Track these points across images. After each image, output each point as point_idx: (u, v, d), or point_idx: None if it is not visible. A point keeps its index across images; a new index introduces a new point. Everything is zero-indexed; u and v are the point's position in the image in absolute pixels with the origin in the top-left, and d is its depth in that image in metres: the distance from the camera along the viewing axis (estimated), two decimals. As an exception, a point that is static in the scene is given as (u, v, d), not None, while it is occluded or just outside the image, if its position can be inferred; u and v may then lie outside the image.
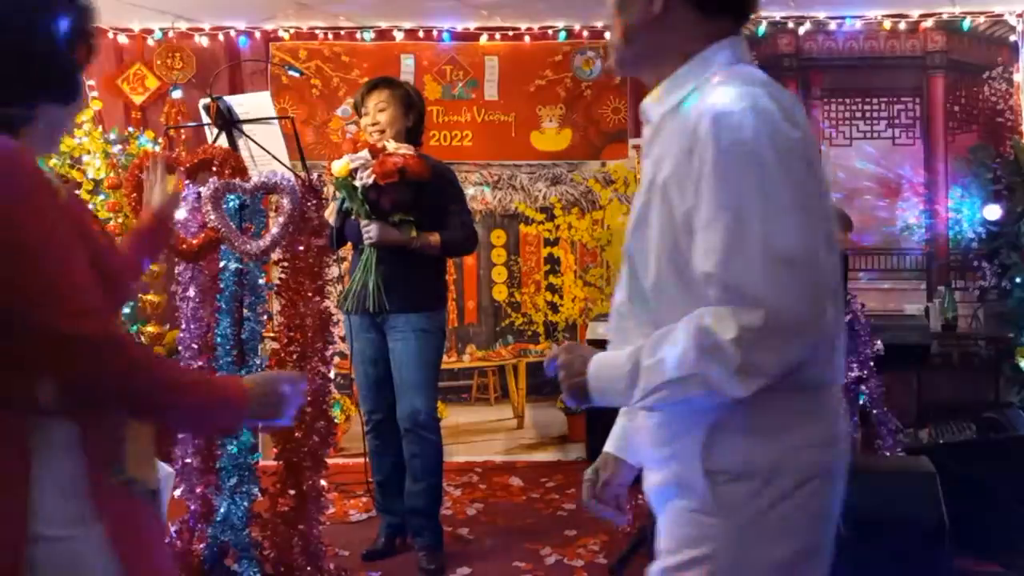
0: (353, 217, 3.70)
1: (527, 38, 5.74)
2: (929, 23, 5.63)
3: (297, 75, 5.22)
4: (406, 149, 3.65)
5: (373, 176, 3.52)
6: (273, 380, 1.52)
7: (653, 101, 1.53)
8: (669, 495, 1.48)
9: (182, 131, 5.45)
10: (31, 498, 1.32)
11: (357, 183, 3.55)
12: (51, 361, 1.30)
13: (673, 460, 1.45)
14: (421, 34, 5.74)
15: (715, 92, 1.39)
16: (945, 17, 5.61)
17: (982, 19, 5.60)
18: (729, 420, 1.38)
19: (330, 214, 3.73)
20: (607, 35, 1.60)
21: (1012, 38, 5.60)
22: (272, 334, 3.84)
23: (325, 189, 3.31)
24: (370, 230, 3.62)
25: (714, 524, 1.40)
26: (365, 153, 3.56)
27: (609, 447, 1.73)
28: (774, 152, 1.32)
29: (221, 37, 5.77)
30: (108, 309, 1.42)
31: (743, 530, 1.39)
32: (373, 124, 3.73)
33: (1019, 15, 5.55)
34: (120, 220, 5.15)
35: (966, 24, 5.59)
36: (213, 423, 1.53)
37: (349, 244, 3.91)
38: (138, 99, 5.73)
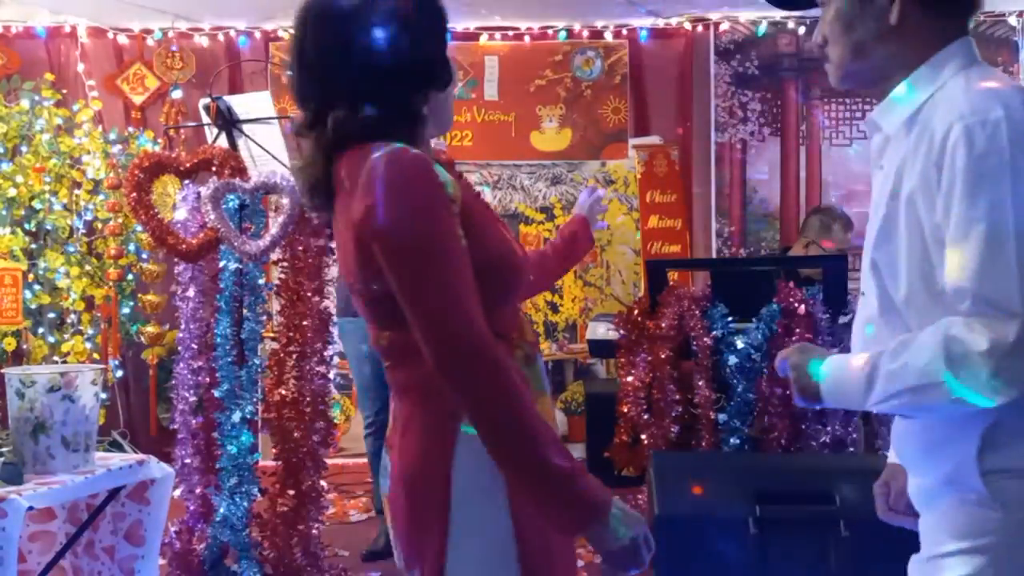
0: None
1: (527, 38, 5.74)
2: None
3: (297, 75, 5.21)
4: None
5: None
6: (639, 522, 1.40)
7: (882, 112, 1.50)
8: (942, 493, 1.46)
9: (182, 131, 5.45)
10: (454, 459, 1.45)
11: None
12: (433, 356, 1.38)
13: (945, 463, 1.43)
14: (421, 34, 5.73)
15: (962, 99, 1.36)
16: (945, 17, 5.61)
17: (982, 19, 5.59)
18: (1004, 424, 1.37)
19: None
20: (828, 51, 1.54)
21: (1012, 38, 5.60)
22: (272, 334, 3.83)
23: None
24: None
25: (990, 517, 1.39)
26: None
27: (893, 457, 1.70)
28: (1020, 164, 1.30)
29: (221, 37, 5.77)
30: (502, 303, 1.50)
31: (1020, 525, 1.38)
32: None
33: (1019, 15, 5.55)
34: (120, 220, 5.15)
35: (966, 24, 5.58)
36: (543, 501, 1.40)
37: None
38: (138, 99, 5.73)
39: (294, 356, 3.15)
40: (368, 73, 1.44)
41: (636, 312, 3.67)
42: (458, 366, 1.37)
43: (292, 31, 1.51)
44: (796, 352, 1.51)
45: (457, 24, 5.69)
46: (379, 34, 1.44)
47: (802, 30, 5.70)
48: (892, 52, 1.47)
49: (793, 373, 1.49)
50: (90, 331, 5.25)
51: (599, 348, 4.70)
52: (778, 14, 5.65)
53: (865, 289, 1.53)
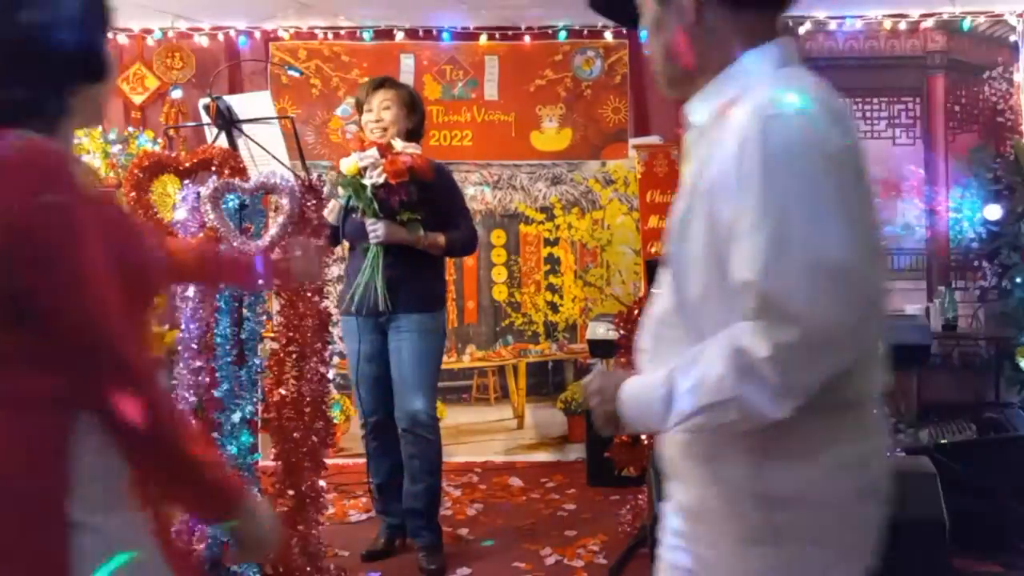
0: (358, 216, 3.69)
1: (527, 38, 5.74)
2: (929, 23, 5.63)
3: (297, 75, 5.22)
4: (413, 148, 3.66)
5: (384, 175, 3.53)
6: (266, 519, 1.50)
7: (693, 107, 1.49)
8: (714, 519, 1.43)
9: (182, 131, 5.45)
10: (71, 486, 1.35)
11: (366, 181, 3.55)
12: (70, 363, 1.32)
13: (717, 481, 1.41)
14: (421, 34, 5.74)
15: (763, 96, 1.34)
16: (945, 17, 5.61)
17: (982, 19, 5.60)
18: (776, 442, 1.34)
19: (330, 212, 3.72)
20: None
21: (1012, 38, 5.60)
22: (272, 334, 3.83)
23: (325, 189, 3.31)
24: (377, 229, 3.61)
25: (768, 553, 1.37)
26: (374, 151, 3.56)
27: None
28: (822, 158, 1.28)
29: (221, 37, 5.77)
30: (132, 311, 1.41)
31: (795, 557, 1.36)
32: (377, 121, 3.73)
33: (1019, 15, 5.54)
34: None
35: (966, 24, 5.58)
36: (197, 501, 1.47)
37: (345, 244, 3.91)
38: (138, 99, 5.73)
39: (294, 356, 3.15)
40: (16, 50, 1.37)
41: (636, 312, 3.67)
42: (108, 376, 1.33)
43: None
44: (597, 377, 1.48)
45: (457, 24, 5.69)
46: (34, 11, 1.37)
47: (802, 30, 5.70)
48: (700, 52, 1.46)
49: (594, 399, 1.46)
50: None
51: (599, 348, 4.70)
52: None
53: (659, 284, 1.49)
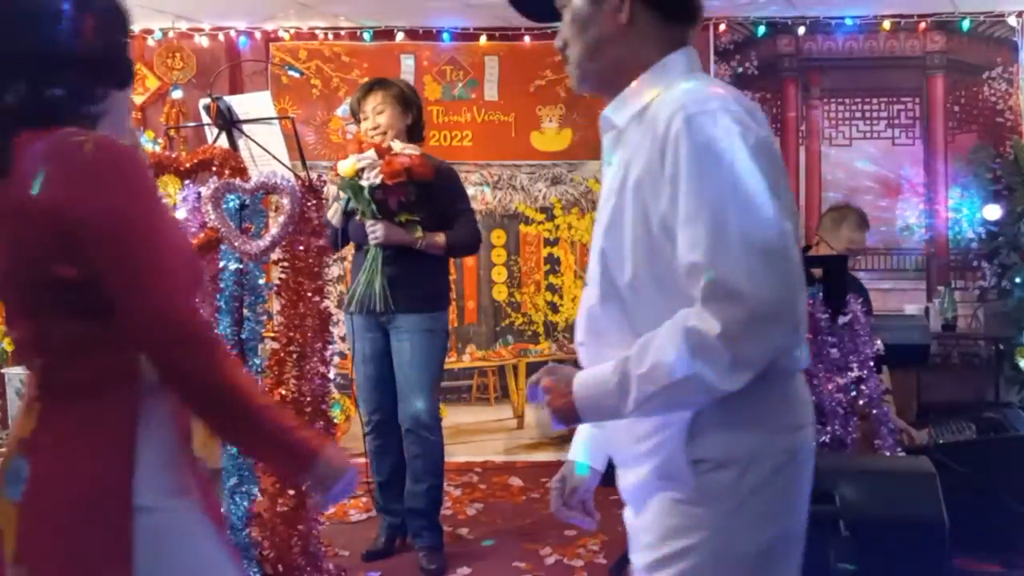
0: (358, 217, 3.70)
1: (527, 38, 5.74)
2: (929, 23, 5.63)
3: (297, 75, 5.22)
4: (412, 149, 3.66)
5: (380, 176, 3.53)
6: (345, 462, 1.57)
7: (615, 109, 1.57)
8: (651, 489, 1.50)
9: (182, 131, 5.45)
10: (135, 471, 1.41)
11: (364, 183, 3.55)
12: (150, 342, 1.40)
13: (656, 453, 1.47)
14: (421, 34, 5.74)
15: (683, 95, 1.44)
16: (945, 17, 5.61)
17: (982, 19, 5.60)
18: (710, 409, 1.42)
19: (333, 214, 3.73)
20: (568, 53, 1.61)
21: (1012, 38, 5.60)
22: (272, 334, 3.83)
23: (325, 189, 3.31)
24: (376, 230, 3.62)
25: (698, 513, 1.44)
26: (371, 153, 3.56)
27: (573, 455, 1.77)
28: (745, 148, 1.37)
29: (221, 37, 5.77)
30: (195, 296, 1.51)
31: (726, 517, 1.43)
32: (374, 128, 3.73)
33: (1019, 15, 5.55)
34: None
35: (966, 24, 5.59)
36: (269, 457, 1.58)
37: (351, 245, 3.91)
38: (138, 99, 5.73)
39: (294, 356, 3.15)
40: (54, 52, 1.42)
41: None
42: (188, 350, 1.41)
43: None
44: (546, 374, 1.53)
45: (457, 24, 5.69)
46: (66, 14, 1.43)
47: (801, 30, 5.70)
48: (624, 52, 1.55)
49: (547, 396, 1.50)
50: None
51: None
52: (778, 14, 5.65)
53: (588, 279, 1.57)
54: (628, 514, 1.61)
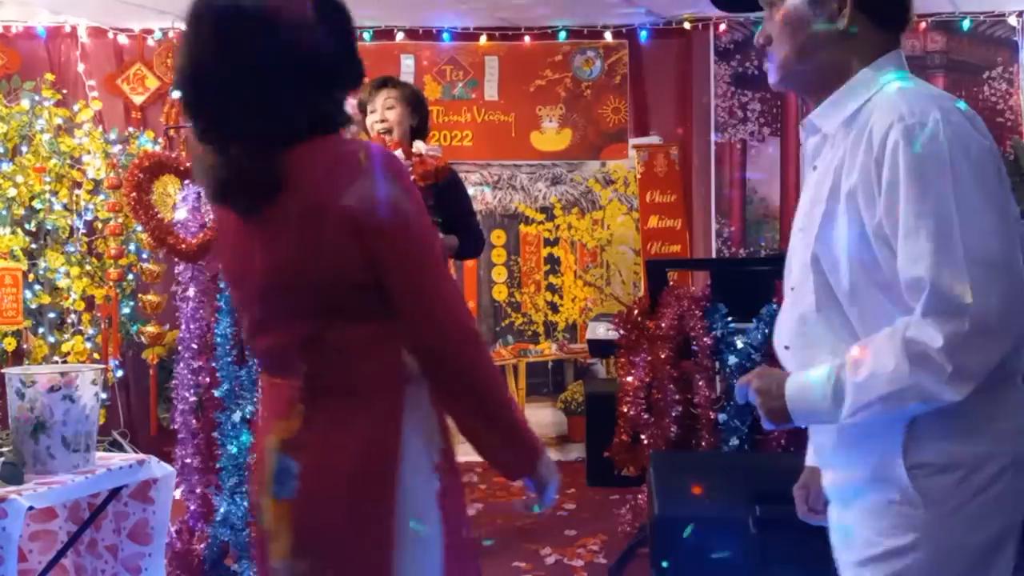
0: None
1: (527, 38, 5.74)
2: (929, 23, 5.63)
3: (297, 75, 5.21)
4: (434, 150, 3.66)
5: (413, 176, 3.53)
6: (552, 464, 1.65)
7: (822, 115, 1.56)
8: (861, 491, 1.50)
9: (182, 131, 5.45)
10: (402, 460, 1.52)
11: None
12: (435, 340, 1.48)
13: (868, 457, 1.48)
14: (421, 34, 5.74)
15: (900, 102, 1.43)
16: (945, 17, 5.61)
17: (982, 19, 5.60)
18: (936, 415, 1.41)
19: None
20: (771, 50, 1.59)
21: (1012, 38, 5.60)
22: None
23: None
24: None
25: (917, 515, 1.44)
26: (400, 152, 3.55)
27: (810, 461, 1.76)
28: (967, 159, 1.37)
29: (221, 37, 5.76)
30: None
31: (946, 519, 1.43)
32: (382, 121, 3.71)
33: (1019, 15, 5.55)
34: (120, 220, 5.15)
35: (966, 24, 5.59)
36: (508, 451, 1.64)
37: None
38: (138, 99, 5.73)
39: (294, 356, 3.15)
40: (311, 68, 1.49)
41: (636, 312, 3.67)
42: (467, 348, 1.49)
43: (199, 31, 1.50)
44: (757, 377, 1.54)
45: (457, 24, 5.69)
46: (312, 32, 1.49)
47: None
48: (835, 56, 1.53)
49: (759, 398, 1.52)
50: (90, 331, 5.25)
51: (599, 348, 4.71)
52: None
53: (797, 284, 1.56)
54: (832, 512, 1.61)
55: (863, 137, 1.44)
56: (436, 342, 1.47)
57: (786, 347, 1.59)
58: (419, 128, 3.80)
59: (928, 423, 1.42)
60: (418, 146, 3.63)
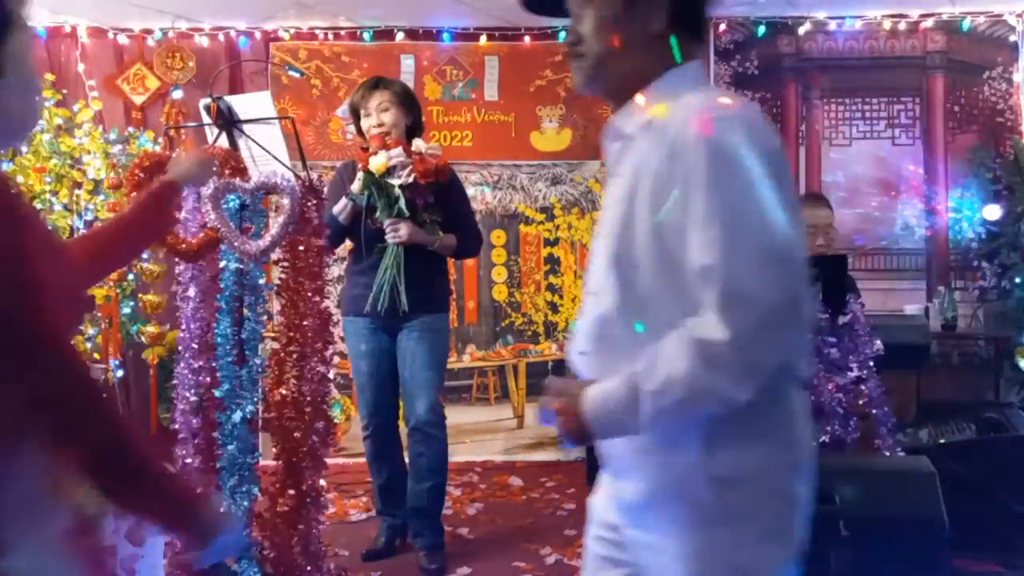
0: (376, 216, 3.64)
1: (527, 38, 5.74)
2: (929, 23, 5.64)
3: (297, 75, 5.22)
4: (434, 149, 3.66)
5: (414, 175, 3.52)
6: (225, 520, 1.48)
7: (624, 118, 1.56)
8: (663, 505, 1.47)
9: (182, 131, 5.45)
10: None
11: (394, 181, 3.54)
12: (27, 376, 1.26)
13: (667, 471, 1.45)
14: (421, 34, 5.74)
15: (697, 103, 1.44)
16: (945, 17, 5.61)
17: (982, 19, 5.60)
18: (726, 426, 1.41)
19: (341, 210, 3.70)
20: (581, 50, 1.57)
21: (1012, 38, 5.60)
22: (272, 334, 3.83)
23: (326, 189, 3.30)
24: (399, 228, 3.60)
25: (718, 536, 1.43)
26: (401, 151, 3.55)
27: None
28: (760, 157, 1.38)
29: (221, 37, 5.77)
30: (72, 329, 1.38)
31: (738, 533, 1.43)
32: (377, 125, 3.70)
33: (1019, 15, 5.55)
34: (120, 220, 5.15)
35: (966, 24, 5.59)
36: (155, 510, 1.44)
37: (346, 244, 3.89)
38: (138, 99, 5.73)
39: (294, 356, 3.15)
40: None
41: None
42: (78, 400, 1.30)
43: None
44: (554, 397, 1.50)
45: (457, 24, 5.69)
46: None
47: (802, 30, 5.71)
48: (643, 60, 1.53)
49: (559, 419, 1.47)
50: (90, 331, 5.25)
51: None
52: (778, 14, 5.65)
53: (598, 288, 1.53)
54: (628, 530, 1.55)
55: (661, 137, 1.44)
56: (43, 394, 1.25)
57: (582, 352, 1.56)
58: (413, 126, 3.80)
59: (721, 428, 1.40)
60: (418, 145, 3.62)
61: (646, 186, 1.44)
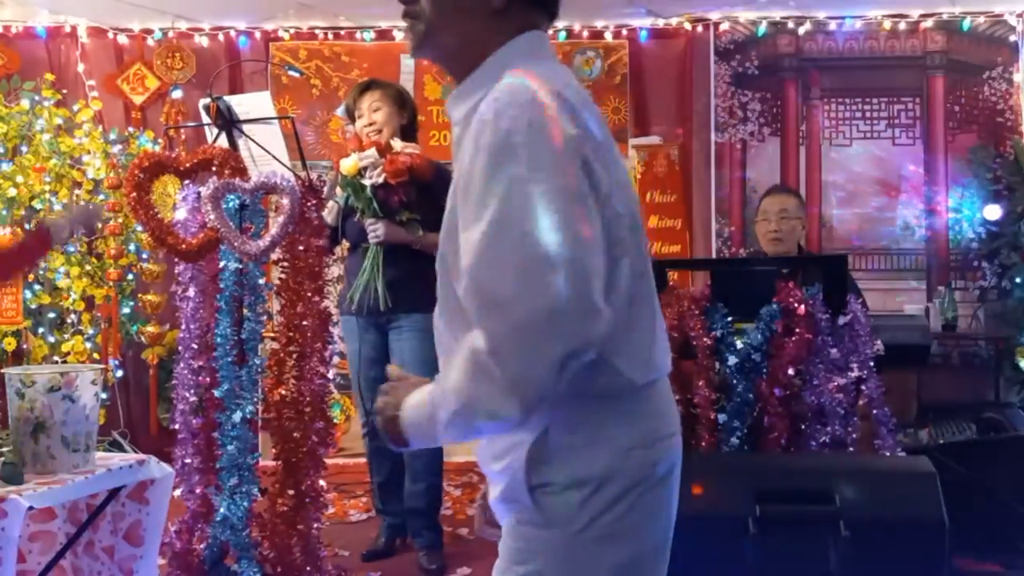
0: (357, 217, 3.69)
1: (527, 38, 5.73)
2: (929, 23, 5.63)
3: (297, 75, 5.22)
4: (413, 148, 3.66)
5: (383, 175, 3.53)
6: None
7: (454, 102, 1.44)
8: (501, 510, 1.43)
9: (182, 131, 5.46)
10: None
11: (366, 181, 3.55)
12: None
13: (504, 474, 1.38)
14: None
15: (503, 86, 1.30)
16: (945, 17, 5.61)
17: (982, 19, 5.60)
18: (552, 432, 1.33)
19: (328, 213, 3.72)
20: (417, 9, 1.43)
21: (1012, 38, 5.60)
22: (272, 334, 3.83)
23: (325, 189, 3.30)
24: (377, 228, 3.61)
25: (542, 536, 1.35)
26: (373, 152, 3.56)
27: None
28: (539, 147, 1.24)
29: (221, 37, 5.77)
30: None
31: (574, 539, 1.34)
32: (370, 124, 3.72)
33: (1019, 15, 5.55)
34: (120, 220, 5.15)
35: (966, 24, 5.59)
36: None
37: (345, 244, 3.91)
38: (138, 99, 5.73)
39: (294, 356, 3.15)
40: None
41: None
42: None
43: None
44: (382, 395, 1.42)
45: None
46: None
47: (802, 30, 5.71)
48: (478, 28, 1.40)
49: (378, 419, 1.41)
50: (90, 331, 5.25)
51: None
52: (778, 14, 5.65)
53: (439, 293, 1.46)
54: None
55: (472, 125, 1.31)
56: None
57: (440, 357, 1.49)
58: (408, 126, 3.80)
59: (550, 436, 1.32)
60: (393, 144, 3.63)
61: (457, 182, 1.35)
